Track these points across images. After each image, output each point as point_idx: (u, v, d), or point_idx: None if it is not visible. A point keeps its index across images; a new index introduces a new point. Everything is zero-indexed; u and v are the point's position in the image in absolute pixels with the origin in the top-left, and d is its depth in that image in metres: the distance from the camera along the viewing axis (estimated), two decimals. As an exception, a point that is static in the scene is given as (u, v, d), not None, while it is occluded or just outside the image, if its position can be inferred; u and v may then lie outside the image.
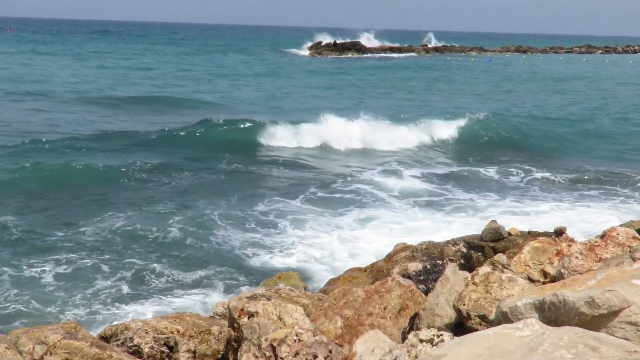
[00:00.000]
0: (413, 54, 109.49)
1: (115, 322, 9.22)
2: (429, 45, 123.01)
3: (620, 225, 7.11)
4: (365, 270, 10.67)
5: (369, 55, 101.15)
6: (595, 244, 5.68)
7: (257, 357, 5.00)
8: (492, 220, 10.87)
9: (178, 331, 5.61)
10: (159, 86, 47.76)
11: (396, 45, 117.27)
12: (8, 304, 11.27)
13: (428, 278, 8.33)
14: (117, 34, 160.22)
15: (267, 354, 4.93)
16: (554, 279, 5.82)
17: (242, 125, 28.26)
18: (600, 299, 3.37)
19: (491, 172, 23.03)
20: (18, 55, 70.55)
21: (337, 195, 19.13)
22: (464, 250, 9.43)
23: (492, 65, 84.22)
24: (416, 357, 3.97)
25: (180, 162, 22.90)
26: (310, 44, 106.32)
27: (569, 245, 6.39)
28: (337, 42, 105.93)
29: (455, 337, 3.70)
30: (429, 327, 5.02)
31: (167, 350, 5.48)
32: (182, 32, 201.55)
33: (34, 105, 34.68)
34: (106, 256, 13.67)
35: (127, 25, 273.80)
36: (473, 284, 5.26)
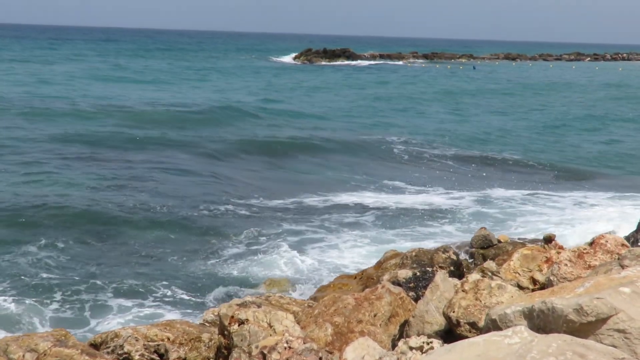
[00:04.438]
0: (410, 61, 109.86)
1: (105, 330, 9.19)
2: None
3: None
4: (355, 277, 10.67)
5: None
6: (584, 252, 5.71)
7: (247, 364, 5.00)
8: (482, 228, 10.91)
9: (168, 338, 5.60)
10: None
11: (386, 52, 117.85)
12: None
13: (418, 285, 8.33)
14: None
15: (258, 361, 4.93)
16: (543, 286, 5.84)
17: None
18: (588, 307, 3.39)
19: None
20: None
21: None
22: (454, 257, 9.45)
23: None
24: (406, 364, 3.98)
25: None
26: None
27: (558, 253, 6.41)
28: (327, 49, 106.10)
29: (445, 345, 3.71)
30: (418, 334, 5.03)
31: (158, 358, 5.47)
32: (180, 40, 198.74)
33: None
34: (97, 263, 13.63)
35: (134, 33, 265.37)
36: (463, 291, 5.28)
